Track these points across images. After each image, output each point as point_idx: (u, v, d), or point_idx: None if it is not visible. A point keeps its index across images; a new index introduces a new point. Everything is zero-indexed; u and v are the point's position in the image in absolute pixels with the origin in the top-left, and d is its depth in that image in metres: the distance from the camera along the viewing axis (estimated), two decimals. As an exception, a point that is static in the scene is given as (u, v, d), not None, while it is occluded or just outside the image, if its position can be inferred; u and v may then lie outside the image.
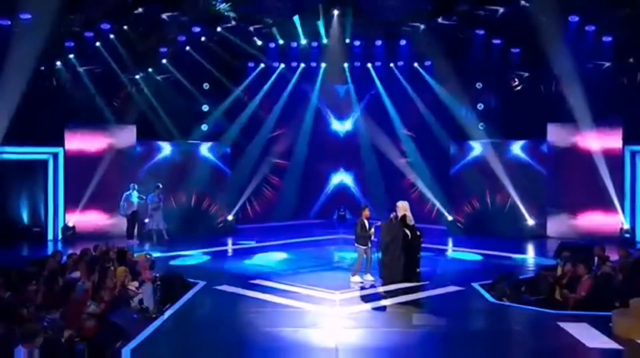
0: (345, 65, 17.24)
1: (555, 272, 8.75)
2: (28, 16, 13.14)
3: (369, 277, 9.70)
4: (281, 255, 12.60)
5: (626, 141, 14.38)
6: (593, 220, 14.31)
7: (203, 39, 15.99)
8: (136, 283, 8.54)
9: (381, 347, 6.69)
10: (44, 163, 14.77)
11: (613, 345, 6.47)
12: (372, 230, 9.66)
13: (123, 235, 14.05)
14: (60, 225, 14.66)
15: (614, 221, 14.18)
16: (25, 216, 14.73)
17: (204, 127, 16.66)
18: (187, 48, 16.05)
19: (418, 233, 9.77)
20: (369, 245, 9.66)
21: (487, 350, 6.66)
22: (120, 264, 9.00)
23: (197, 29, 15.81)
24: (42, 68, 14.77)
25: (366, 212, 9.72)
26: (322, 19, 15.71)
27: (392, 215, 9.77)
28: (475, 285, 9.28)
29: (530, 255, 12.94)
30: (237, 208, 16.77)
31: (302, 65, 17.40)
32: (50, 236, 14.66)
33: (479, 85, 16.26)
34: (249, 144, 17.44)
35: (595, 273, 8.31)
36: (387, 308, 8.19)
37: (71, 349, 5.77)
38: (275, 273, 10.50)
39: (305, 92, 17.70)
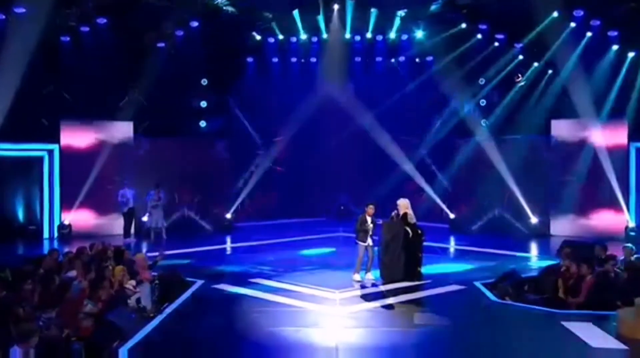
0: (346, 61, 17.22)
1: (558, 271, 8.74)
2: (23, 10, 13.11)
3: (370, 276, 9.70)
4: (280, 253, 12.60)
5: (632, 137, 14.37)
6: (598, 218, 14.32)
7: (201, 33, 15.97)
8: (133, 282, 8.55)
9: (382, 347, 6.69)
10: (40, 159, 14.76)
11: (618, 345, 6.48)
12: (370, 224, 9.57)
13: (120, 233, 14.06)
14: (56, 223, 14.67)
15: (619, 219, 14.16)
16: (20, 214, 14.73)
17: (202, 123, 16.66)
18: (185, 43, 16.04)
19: (419, 231, 9.76)
20: (369, 241, 9.62)
21: (490, 350, 6.66)
22: (118, 263, 9.01)
23: (195, 24, 15.79)
24: (38, 63, 14.74)
25: (370, 209, 9.67)
26: (322, 13, 15.68)
27: (393, 213, 9.76)
28: (478, 284, 9.28)
29: (533, 254, 12.95)
30: (235, 205, 16.79)
31: (302, 60, 17.40)
32: (46, 234, 14.67)
33: (481, 81, 16.25)
34: (248, 142, 17.46)
35: (597, 273, 8.30)
36: (388, 308, 8.20)
37: (67, 349, 5.77)
38: (275, 271, 10.51)
39: (305, 88, 17.68)
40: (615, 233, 13.69)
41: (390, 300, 8.51)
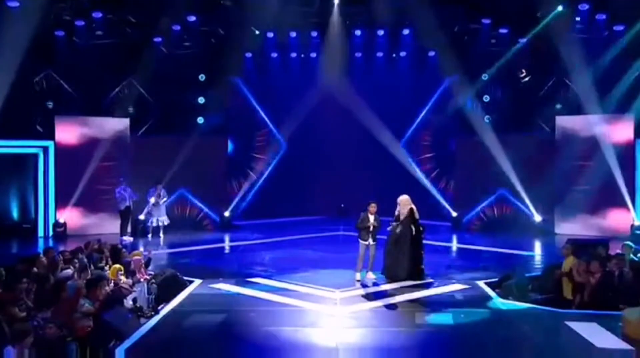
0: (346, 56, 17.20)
1: (561, 270, 8.75)
2: (16, 4, 13.09)
3: (371, 275, 9.71)
4: (280, 252, 12.61)
5: (638, 133, 14.36)
6: (604, 216, 14.29)
7: (199, 28, 15.95)
8: (130, 282, 8.57)
9: (383, 347, 6.70)
10: (34, 157, 14.76)
11: (623, 345, 6.48)
12: (374, 222, 9.49)
13: (116, 231, 14.07)
14: (51, 221, 14.67)
15: (625, 217, 14.15)
16: (14, 212, 14.74)
17: (200, 120, 16.66)
18: (183, 37, 16.02)
19: (421, 228, 9.76)
20: (370, 240, 9.62)
21: (493, 350, 6.67)
22: (114, 262, 9.03)
23: (192, 18, 15.77)
24: (32, 58, 14.72)
25: (372, 208, 9.64)
26: (323, 7, 15.66)
27: (396, 212, 9.72)
28: (481, 283, 9.29)
29: (537, 252, 12.95)
30: (234, 203, 16.79)
31: (302, 55, 17.38)
32: (40, 233, 14.67)
33: (484, 76, 16.24)
34: (249, 138, 17.46)
35: (602, 272, 8.30)
36: (389, 307, 8.21)
37: (63, 349, 5.78)
38: (274, 271, 10.51)
39: (305, 83, 17.66)
40: (622, 231, 13.67)
41: (392, 300, 8.52)
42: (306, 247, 13.24)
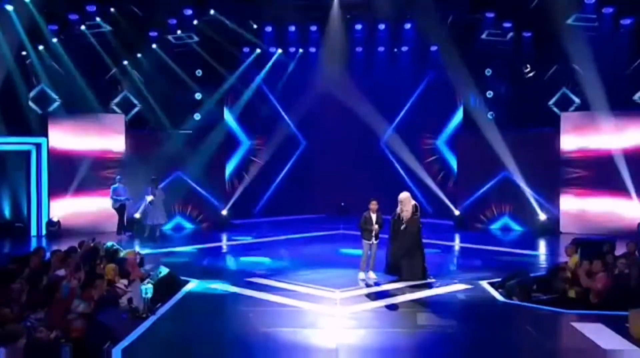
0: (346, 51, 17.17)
1: (566, 270, 8.75)
2: (10, 7, 13.07)
3: (372, 275, 9.71)
4: (279, 252, 12.61)
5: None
6: (610, 215, 14.27)
7: (195, 22, 15.92)
8: (125, 281, 8.56)
9: (384, 348, 6.70)
10: (27, 154, 14.74)
11: (630, 346, 6.48)
12: (375, 221, 9.57)
13: (111, 230, 14.07)
14: (44, 219, 14.65)
15: (632, 216, 14.13)
16: (6, 211, 14.71)
17: (197, 116, 16.64)
18: (179, 32, 15.98)
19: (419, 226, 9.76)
20: (373, 240, 9.62)
21: (496, 352, 6.67)
22: (110, 261, 9.01)
23: (188, 12, 15.74)
24: (24, 53, 14.71)
25: (373, 205, 9.65)
26: (322, 0, 15.64)
27: (397, 210, 9.72)
28: (483, 283, 9.29)
29: (542, 252, 12.96)
30: (232, 201, 16.79)
31: (301, 50, 17.35)
32: (33, 231, 14.66)
33: (488, 72, 16.22)
34: (246, 135, 17.45)
35: (611, 272, 8.30)
36: (390, 308, 8.21)
37: (56, 350, 5.78)
38: (273, 270, 10.51)
39: (304, 79, 17.64)
40: (629, 230, 13.64)
41: (393, 300, 8.52)
42: (305, 246, 13.23)
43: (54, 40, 14.97)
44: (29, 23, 13.29)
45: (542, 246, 13.51)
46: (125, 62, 15.83)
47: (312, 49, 17.21)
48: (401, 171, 17.39)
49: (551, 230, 14.64)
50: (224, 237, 14.84)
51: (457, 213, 16.11)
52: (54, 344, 5.88)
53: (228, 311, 8.07)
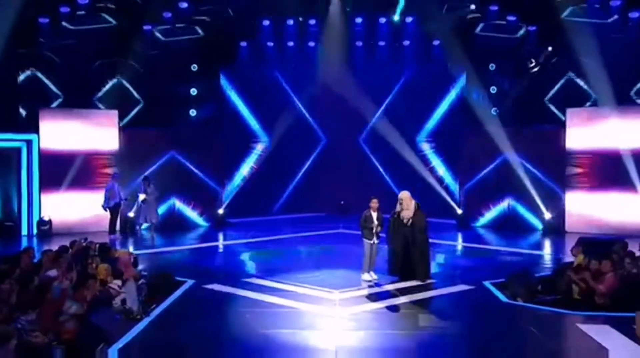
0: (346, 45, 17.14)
1: (572, 270, 8.76)
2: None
3: (372, 275, 9.72)
4: (276, 251, 12.62)
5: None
6: (616, 214, 14.25)
7: (190, 15, 15.90)
8: (119, 282, 8.56)
9: (384, 351, 6.71)
10: (17, 151, 14.71)
11: (637, 348, 6.50)
12: (376, 220, 9.58)
13: (103, 230, 14.05)
14: (35, 218, 14.64)
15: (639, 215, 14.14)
16: (-4, 210, 14.70)
17: (192, 112, 16.62)
18: (174, 25, 15.97)
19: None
20: (375, 239, 9.63)
21: (499, 354, 6.69)
22: (102, 261, 9.01)
23: (184, 5, 15.71)
24: (14, 46, 14.66)
25: (373, 204, 9.66)
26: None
27: (396, 208, 9.73)
28: (487, 284, 9.31)
29: (547, 252, 12.97)
30: (228, 200, 16.79)
31: (300, 45, 17.32)
32: (24, 231, 14.63)
33: (492, 67, 16.21)
34: (242, 131, 17.44)
35: (621, 273, 8.31)
36: (391, 309, 8.22)
37: (48, 352, 5.78)
38: (270, 270, 10.52)
39: (302, 74, 17.62)
40: (636, 230, 13.64)
41: (394, 301, 8.53)
42: (304, 246, 13.24)
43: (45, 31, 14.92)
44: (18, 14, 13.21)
45: (547, 246, 13.52)
46: (118, 57, 15.78)
47: (311, 44, 17.17)
48: (403, 168, 17.38)
49: (556, 229, 14.65)
50: (221, 236, 14.84)
51: (459, 211, 16.12)
52: (46, 346, 5.88)
53: (224, 313, 8.08)
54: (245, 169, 17.51)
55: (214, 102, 16.80)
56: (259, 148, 17.71)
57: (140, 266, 9.81)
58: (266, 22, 16.70)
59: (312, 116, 18.05)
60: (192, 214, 16.01)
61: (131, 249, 11.86)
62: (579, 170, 14.64)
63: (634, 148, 14.05)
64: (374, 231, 9.57)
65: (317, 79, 17.21)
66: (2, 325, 5.94)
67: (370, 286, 9.36)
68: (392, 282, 9.48)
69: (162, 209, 14.91)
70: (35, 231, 14.56)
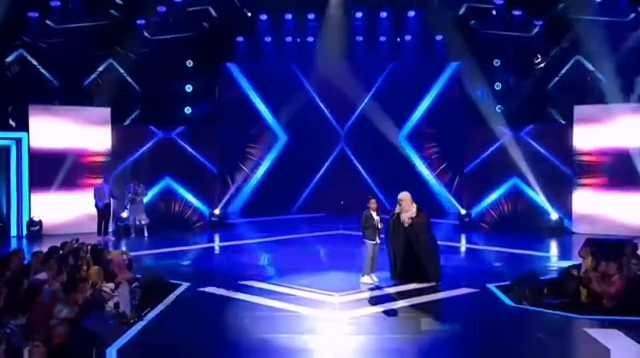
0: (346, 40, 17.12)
1: (579, 271, 8.76)
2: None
3: (373, 277, 9.71)
4: (275, 253, 12.61)
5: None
6: (625, 214, 14.25)
7: (186, 9, 15.88)
8: (111, 285, 8.54)
9: (385, 355, 6.70)
10: (6, 149, 14.69)
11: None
12: (378, 218, 9.58)
13: (95, 231, 14.04)
14: (25, 219, 14.62)
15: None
16: (-16, 210, 14.69)
17: (188, 109, 16.61)
18: (168, 20, 15.95)
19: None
20: (377, 240, 9.63)
21: (505, 359, 6.70)
22: (95, 263, 8.99)
23: (178, -2, 15.72)
24: (2, 41, 14.66)
25: (372, 203, 9.67)
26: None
27: (396, 210, 9.72)
28: (491, 287, 9.30)
29: (553, 253, 12.98)
30: (225, 200, 16.78)
31: (298, 40, 17.31)
32: (13, 232, 14.61)
33: (496, 62, 16.20)
34: (238, 130, 17.43)
35: (627, 274, 8.31)
36: (392, 312, 8.22)
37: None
38: (269, 273, 10.51)
39: (301, 70, 17.62)
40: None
41: (395, 304, 8.53)
42: (303, 247, 13.24)
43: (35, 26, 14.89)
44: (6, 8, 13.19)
45: (554, 247, 13.52)
46: (111, 52, 15.77)
47: (310, 39, 17.15)
48: (404, 167, 17.39)
49: (563, 230, 14.65)
50: (217, 237, 14.83)
51: (462, 212, 16.12)
52: (35, 351, 5.85)
53: (221, 317, 8.07)
54: (242, 171, 17.51)
55: (210, 99, 16.79)
56: (254, 151, 17.72)
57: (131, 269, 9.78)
58: (264, 17, 16.68)
59: (308, 112, 18.00)
60: (187, 213, 16.00)
61: (124, 249, 11.83)
62: (586, 168, 14.63)
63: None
64: (378, 229, 9.57)
65: (316, 74, 17.22)
66: (-9, 329, 5.92)
67: (371, 289, 9.36)
68: (394, 285, 9.47)
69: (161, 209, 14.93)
70: (25, 232, 14.54)
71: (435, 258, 9.61)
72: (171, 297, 8.75)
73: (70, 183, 14.67)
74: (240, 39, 17.02)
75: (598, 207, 14.47)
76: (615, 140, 14.32)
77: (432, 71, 17.17)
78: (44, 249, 9.60)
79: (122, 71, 15.92)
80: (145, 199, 14.49)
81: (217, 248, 13.95)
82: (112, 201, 14.24)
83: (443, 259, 9.99)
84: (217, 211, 16.27)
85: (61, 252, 9.33)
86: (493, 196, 15.74)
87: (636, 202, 14.14)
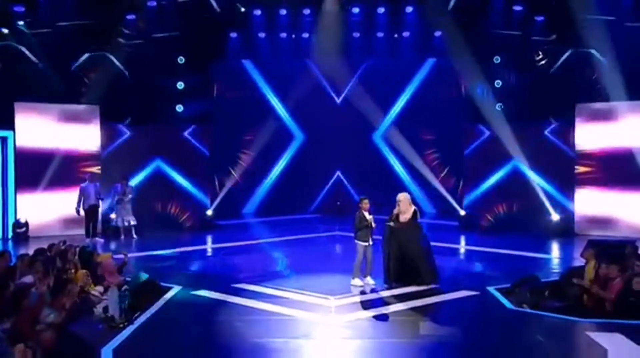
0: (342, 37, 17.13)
1: (582, 274, 8.79)
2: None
3: (369, 280, 9.73)
4: (268, 255, 12.60)
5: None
6: (629, 215, 14.31)
7: (177, 4, 15.86)
8: (100, 288, 8.53)
9: (383, 360, 6.73)
10: (-9, 148, 14.66)
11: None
12: (371, 217, 9.62)
13: (83, 233, 14.01)
14: (11, 221, 14.58)
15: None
16: (-31, 212, 14.63)
17: (179, 107, 16.59)
18: (159, 15, 15.92)
19: None
20: (370, 241, 9.65)
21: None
22: (83, 266, 8.98)
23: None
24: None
25: (364, 204, 9.70)
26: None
27: (395, 211, 9.73)
28: (491, 289, 9.33)
29: (554, 255, 13.02)
30: (217, 201, 16.78)
31: (293, 36, 17.31)
32: (-1, 234, 14.60)
33: (496, 59, 16.25)
34: (232, 128, 17.43)
35: (628, 276, 8.34)
36: (389, 316, 8.23)
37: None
38: (263, 275, 10.51)
39: (296, 67, 17.62)
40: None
41: (392, 307, 8.54)
42: (298, 249, 13.23)
43: (20, 22, 14.84)
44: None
45: (555, 249, 13.56)
46: (100, 49, 15.73)
47: (305, 35, 17.15)
48: (401, 168, 17.43)
49: (565, 232, 14.70)
50: (209, 239, 14.82)
51: (462, 213, 16.15)
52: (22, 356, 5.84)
53: (214, 321, 8.06)
54: (232, 173, 17.51)
55: (203, 96, 16.77)
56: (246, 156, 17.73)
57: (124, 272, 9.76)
58: (257, 12, 16.67)
59: (303, 111, 18.02)
60: (177, 216, 15.99)
61: (112, 253, 11.81)
62: (588, 169, 14.69)
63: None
64: (371, 230, 9.58)
65: (312, 71, 17.23)
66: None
67: (367, 292, 9.37)
68: (391, 288, 9.49)
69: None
70: (10, 234, 14.50)
71: (428, 260, 9.60)
72: (162, 301, 8.74)
73: (58, 183, 14.63)
74: (233, 35, 17.00)
75: (600, 208, 14.52)
76: (618, 139, 14.37)
77: (433, 69, 17.20)
78: (31, 251, 9.57)
79: (112, 67, 15.86)
80: (128, 200, 14.42)
81: (209, 250, 13.94)
82: (99, 201, 14.20)
83: (443, 261, 10.03)
84: (209, 212, 16.26)
85: (48, 254, 9.31)
86: (493, 197, 15.77)
87: (638, 203, 14.21)
